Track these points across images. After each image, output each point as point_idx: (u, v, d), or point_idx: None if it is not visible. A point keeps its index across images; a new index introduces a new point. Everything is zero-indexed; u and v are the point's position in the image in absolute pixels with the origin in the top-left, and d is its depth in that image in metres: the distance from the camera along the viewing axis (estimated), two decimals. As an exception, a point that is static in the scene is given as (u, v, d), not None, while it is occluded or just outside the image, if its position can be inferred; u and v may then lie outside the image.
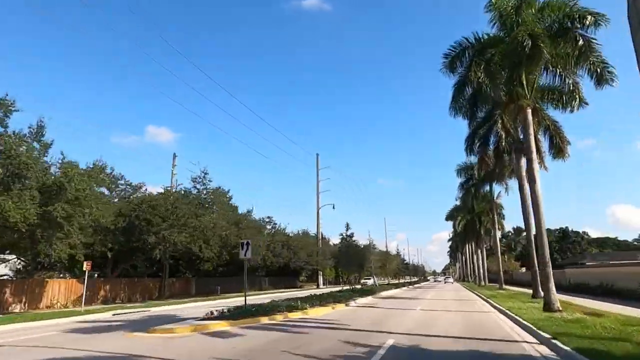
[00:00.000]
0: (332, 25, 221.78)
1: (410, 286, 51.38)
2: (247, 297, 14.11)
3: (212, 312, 12.77)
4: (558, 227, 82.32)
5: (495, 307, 16.90)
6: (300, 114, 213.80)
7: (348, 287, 29.30)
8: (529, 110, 15.71)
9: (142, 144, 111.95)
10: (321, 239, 59.89)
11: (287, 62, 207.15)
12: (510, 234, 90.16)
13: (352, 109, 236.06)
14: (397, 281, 62.14)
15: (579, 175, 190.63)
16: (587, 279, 25.23)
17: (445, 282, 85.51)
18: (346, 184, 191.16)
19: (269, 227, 42.82)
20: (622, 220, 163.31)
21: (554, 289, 14.17)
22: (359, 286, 36.78)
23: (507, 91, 16.32)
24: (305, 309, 15.10)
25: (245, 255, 13.60)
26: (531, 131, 15.63)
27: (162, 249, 23.58)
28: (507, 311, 14.09)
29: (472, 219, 43.71)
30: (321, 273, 55.92)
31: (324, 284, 55.37)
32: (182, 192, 26.99)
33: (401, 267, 62.33)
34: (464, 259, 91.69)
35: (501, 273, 33.66)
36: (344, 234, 31.54)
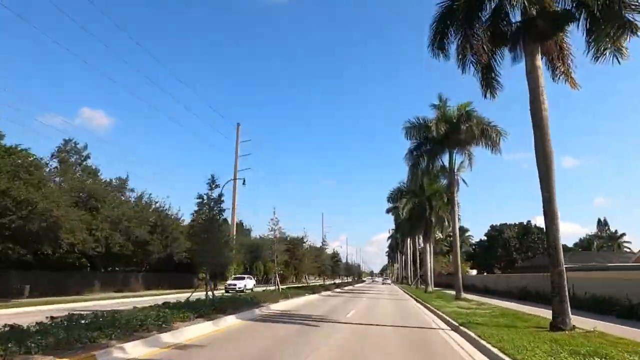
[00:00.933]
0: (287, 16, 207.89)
1: (336, 289, 39.44)
2: None
3: None
4: (517, 222, 69.53)
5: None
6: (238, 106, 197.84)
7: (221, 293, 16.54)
8: None
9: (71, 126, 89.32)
10: (235, 226, 46.85)
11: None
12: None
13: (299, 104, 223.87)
14: (322, 282, 50.23)
15: (513, 183, 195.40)
16: (607, 289, 15.09)
17: (383, 283, 78.47)
18: (287, 179, 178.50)
19: (124, 197, 28.18)
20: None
21: None
22: (222, 291, 22.91)
23: None
24: None
25: None
26: None
27: None
28: None
29: (420, 202, 33.16)
30: (229, 269, 42.97)
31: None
32: None
33: (329, 265, 50.11)
34: (403, 259, 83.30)
35: (460, 276, 23.10)
36: (203, 197, 14.07)
